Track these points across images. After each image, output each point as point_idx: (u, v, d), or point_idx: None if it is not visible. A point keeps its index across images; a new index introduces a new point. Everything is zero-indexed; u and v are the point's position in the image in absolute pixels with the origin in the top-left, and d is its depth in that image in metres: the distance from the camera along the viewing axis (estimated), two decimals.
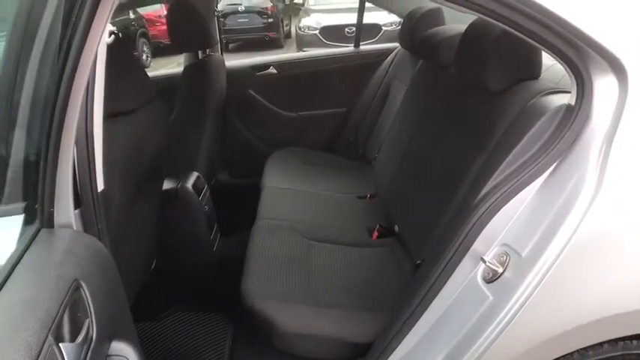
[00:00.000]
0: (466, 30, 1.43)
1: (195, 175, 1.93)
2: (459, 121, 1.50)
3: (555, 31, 0.89)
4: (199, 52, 2.27)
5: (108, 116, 1.22)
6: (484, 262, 1.01)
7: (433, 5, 2.13)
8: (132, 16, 9.11)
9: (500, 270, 0.99)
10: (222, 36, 8.45)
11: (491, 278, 1.01)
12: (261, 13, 10.45)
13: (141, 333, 1.82)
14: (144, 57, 9.35)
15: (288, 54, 2.90)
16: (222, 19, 10.30)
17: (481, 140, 1.28)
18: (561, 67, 0.98)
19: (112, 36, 1.03)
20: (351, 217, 1.96)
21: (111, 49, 1.12)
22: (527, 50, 1.24)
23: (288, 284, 1.46)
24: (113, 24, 8.47)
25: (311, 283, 1.47)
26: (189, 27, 1.99)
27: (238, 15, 10.40)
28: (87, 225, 0.98)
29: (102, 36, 0.94)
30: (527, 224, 0.99)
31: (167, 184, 1.82)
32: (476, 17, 1.32)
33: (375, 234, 1.83)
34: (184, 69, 2.04)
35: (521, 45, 1.09)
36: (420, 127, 1.78)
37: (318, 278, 1.51)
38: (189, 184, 1.86)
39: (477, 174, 1.23)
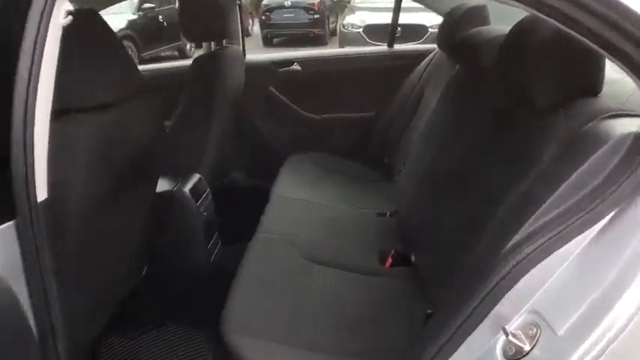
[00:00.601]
0: (511, 30, 1.17)
1: (196, 177, 1.77)
2: (496, 140, 1.24)
3: (626, 32, 0.64)
4: (212, 44, 2.09)
5: (69, 112, 1.05)
6: (506, 334, 0.76)
7: (477, 2, 1.87)
8: (177, 6, 9.12)
9: (527, 347, 0.74)
10: (267, 30, 8.39)
11: (514, 356, 0.76)
12: (308, 9, 10.27)
13: (121, 347, 1.67)
14: (187, 47, 9.38)
15: (313, 50, 2.70)
16: (267, 13, 10.26)
17: (521, 168, 1.02)
18: (631, 81, 0.72)
19: (69, 16, 0.86)
20: (364, 238, 1.73)
21: (74, 33, 0.95)
22: (585, 57, 0.98)
23: (272, 317, 1.25)
24: (160, 13, 8.56)
25: (300, 317, 1.26)
26: (201, 15, 1.81)
27: (284, 10, 10.28)
28: (23, 240, 0.85)
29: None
30: (568, 291, 0.74)
31: (163, 185, 1.66)
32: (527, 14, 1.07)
33: (389, 261, 1.59)
34: (194, 61, 1.87)
35: (578, 50, 0.84)
36: (450, 142, 1.54)
37: (310, 311, 1.29)
38: (188, 187, 1.70)
39: (511, 210, 0.98)
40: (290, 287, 1.38)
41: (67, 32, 0.89)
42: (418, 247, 1.49)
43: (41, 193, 0.88)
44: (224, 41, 2.10)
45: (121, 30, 7.51)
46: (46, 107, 0.86)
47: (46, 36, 0.82)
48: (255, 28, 11.33)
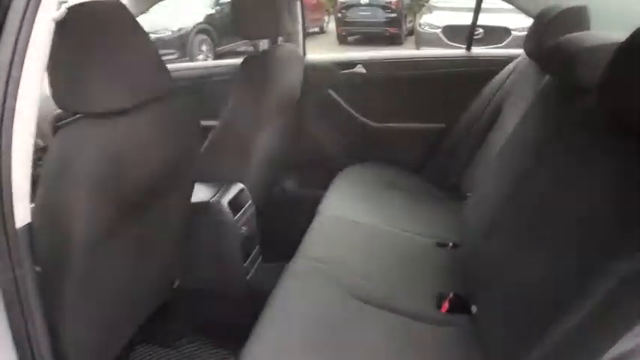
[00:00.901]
0: (628, 39, 0.89)
1: (238, 187, 1.63)
2: (590, 183, 0.96)
3: None
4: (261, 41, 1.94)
5: (73, 118, 0.94)
6: None
7: (574, 3, 1.57)
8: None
9: None
10: (342, 27, 8.38)
11: None
12: (385, 7, 10.03)
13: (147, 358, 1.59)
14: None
15: (380, 51, 2.47)
16: (343, 11, 10.16)
17: (623, 232, 0.75)
18: None
19: (62, 9, 0.72)
20: (420, 273, 1.49)
21: (79, 28, 0.82)
22: None
23: None
24: None
25: None
26: (253, 10, 1.66)
27: (361, 7, 10.08)
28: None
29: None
30: None
31: (201, 195, 1.54)
32: None
33: (446, 305, 1.35)
34: (243, 60, 1.73)
35: None
36: (536, 171, 1.26)
37: None
38: (227, 198, 1.56)
39: (613, 292, 0.70)
40: (326, 328, 1.18)
41: (70, 26, 0.78)
42: (481, 298, 1.24)
43: (22, 217, 0.76)
44: (280, 39, 1.94)
45: (198, 24, 7.65)
46: (29, 116, 0.73)
47: (30, 32, 0.69)
48: (331, 25, 11.28)
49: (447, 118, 2.20)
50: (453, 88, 2.19)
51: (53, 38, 0.85)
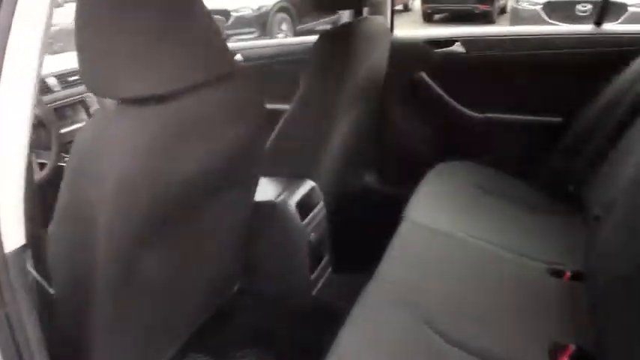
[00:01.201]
0: None
1: (308, 185, 1.46)
2: None
3: None
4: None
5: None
6: None
7: None
8: None
9: None
10: (427, 5, 8.01)
11: None
12: None
13: None
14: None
15: (484, 28, 2.14)
16: None
17: None
18: None
19: None
20: (526, 310, 1.19)
21: None
22: None
23: None
24: None
25: None
26: None
27: None
28: None
29: None
30: None
31: (267, 192, 1.38)
32: None
33: None
34: (319, 37, 1.49)
35: None
36: None
37: None
38: (295, 199, 1.39)
39: None
40: None
41: None
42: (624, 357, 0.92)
43: (14, 239, 0.64)
44: (364, 11, 1.68)
45: (278, 2, 7.56)
46: (21, 105, 0.62)
47: None
48: (417, 3, 10.89)
49: (565, 110, 1.84)
50: (575, 72, 1.82)
51: (78, 5, 0.72)
